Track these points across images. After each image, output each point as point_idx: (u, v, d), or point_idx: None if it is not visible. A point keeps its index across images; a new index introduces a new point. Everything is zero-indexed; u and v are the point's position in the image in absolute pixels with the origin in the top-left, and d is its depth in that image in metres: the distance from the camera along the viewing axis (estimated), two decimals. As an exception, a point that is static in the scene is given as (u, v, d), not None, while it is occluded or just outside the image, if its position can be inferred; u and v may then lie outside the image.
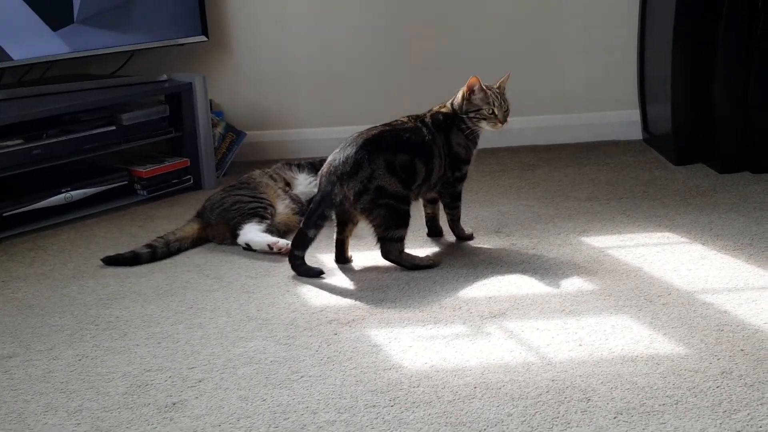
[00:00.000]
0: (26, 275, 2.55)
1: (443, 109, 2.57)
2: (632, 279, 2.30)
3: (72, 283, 2.47)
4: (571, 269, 2.38)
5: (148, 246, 2.61)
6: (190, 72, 3.47)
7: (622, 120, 3.68)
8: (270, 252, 2.58)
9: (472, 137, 2.57)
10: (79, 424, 1.75)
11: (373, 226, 2.41)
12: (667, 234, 2.61)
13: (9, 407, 1.82)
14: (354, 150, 2.39)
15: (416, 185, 2.46)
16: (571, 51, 3.69)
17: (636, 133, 3.67)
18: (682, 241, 2.56)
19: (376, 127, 2.48)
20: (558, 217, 2.81)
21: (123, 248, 2.71)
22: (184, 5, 3.41)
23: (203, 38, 3.45)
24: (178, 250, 2.65)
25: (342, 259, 2.51)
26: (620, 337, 1.99)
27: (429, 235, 2.68)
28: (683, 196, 2.94)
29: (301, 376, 1.88)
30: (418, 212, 2.64)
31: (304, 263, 2.43)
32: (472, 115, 2.52)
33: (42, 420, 1.77)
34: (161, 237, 2.65)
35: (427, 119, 2.53)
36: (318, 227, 2.39)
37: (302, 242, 2.40)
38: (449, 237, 2.67)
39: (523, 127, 3.72)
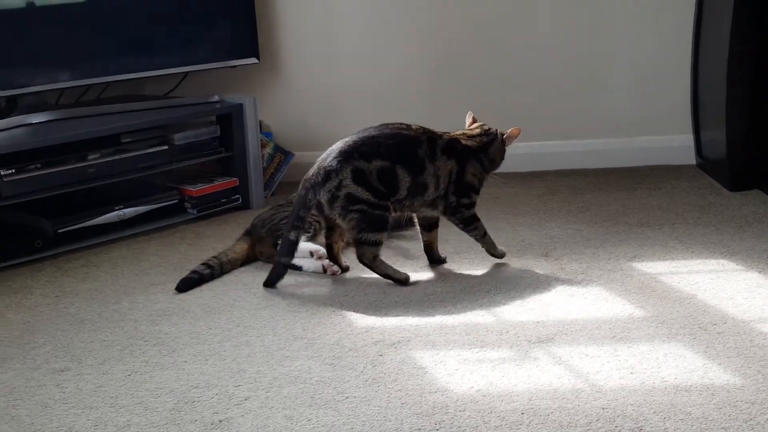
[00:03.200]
0: (79, 291, 2.59)
1: (464, 140, 2.59)
2: (686, 306, 2.25)
3: (123, 299, 2.50)
4: (622, 295, 2.34)
5: (207, 266, 2.61)
6: (241, 93, 3.51)
7: (675, 144, 3.63)
8: (311, 257, 2.59)
9: (487, 170, 2.63)
10: (126, 439, 1.76)
11: (348, 228, 2.47)
12: (722, 261, 2.56)
13: (60, 420, 1.84)
14: (328, 159, 2.47)
15: (402, 195, 2.48)
16: (623, 73, 3.66)
17: (689, 158, 3.61)
18: (738, 268, 2.50)
19: (367, 129, 2.54)
20: (608, 242, 2.77)
21: (173, 266, 2.75)
22: (237, 29, 3.46)
23: (254, 60, 3.50)
24: (230, 271, 2.67)
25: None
26: (673, 366, 1.94)
27: (429, 263, 2.66)
28: (739, 223, 2.88)
29: (346, 397, 1.88)
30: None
31: (284, 271, 2.52)
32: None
33: (90, 434, 1.78)
34: (215, 257, 2.66)
35: (441, 141, 2.54)
36: (298, 229, 2.48)
37: (288, 248, 2.49)
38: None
39: (572, 150, 3.69)
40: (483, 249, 2.64)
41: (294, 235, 2.49)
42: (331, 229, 2.56)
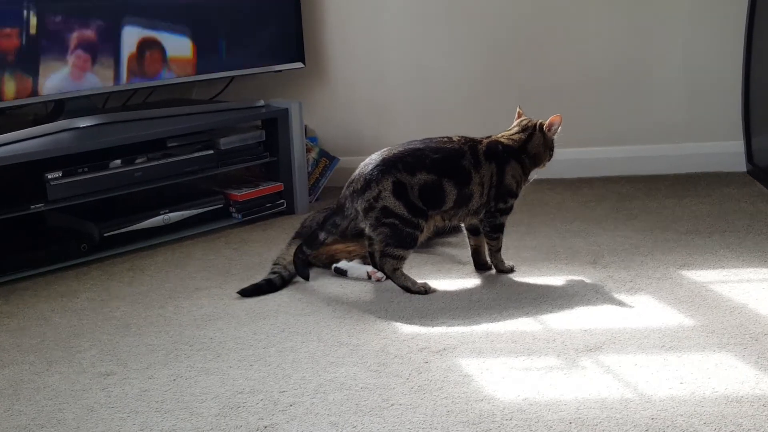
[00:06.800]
0: (124, 295, 2.61)
1: (504, 141, 2.55)
2: (736, 316, 2.21)
3: (168, 303, 2.52)
4: (671, 304, 2.30)
5: (275, 272, 2.58)
6: (287, 98, 3.52)
7: (726, 151, 3.56)
8: (368, 279, 2.59)
9: (527, 171, 2.56)
10: (172, 443, 1.77)
11: (377, 240, 2.47)
12: (773, 270, 2.51)
13: (106, 424, 1.86)
14: (370, 167, 2.46)
15: (448, 206, 2.46)
16: (672, 78, 3.60)
17: (740, 165, 3.54)
18: (791, 277, 2.45)
19: (413, 142, 2.51)
20: (657, 249, 2.73)
21: (218, 270, 2.76)
22: (283, 33, 3.48)
23: (300, 65, 3.51)
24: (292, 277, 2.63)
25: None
26: (724, 376, 1.90)
27: (476, 269, 2.63)
28: (791, 231, 2.82)
29: (392, 404, 1.86)
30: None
31: (306, 261, 2.55)
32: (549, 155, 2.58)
33: (136, 438, 1.79)
34: (276, 264, 2.62)
35: (482, 146, 2.52)
36: (330, 233, 2.50)
37: (313, 241, 2.52)
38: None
39: (620, 156, 3.65)
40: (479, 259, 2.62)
41: (324, 236, 2.50)
42: (369, 237, 2.52)
